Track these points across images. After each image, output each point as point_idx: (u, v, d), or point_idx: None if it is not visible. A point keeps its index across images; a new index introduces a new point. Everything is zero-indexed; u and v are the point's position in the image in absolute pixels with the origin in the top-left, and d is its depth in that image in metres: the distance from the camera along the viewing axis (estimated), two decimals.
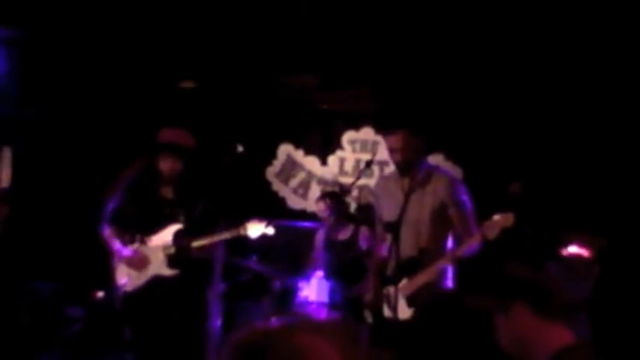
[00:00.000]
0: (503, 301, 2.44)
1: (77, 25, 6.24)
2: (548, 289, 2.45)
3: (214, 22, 6.21)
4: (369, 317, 4.67)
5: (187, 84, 7.05)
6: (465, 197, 4.54)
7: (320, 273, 5.90)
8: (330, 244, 6.14)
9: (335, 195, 6.31)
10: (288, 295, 5.90)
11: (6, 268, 6.37)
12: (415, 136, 4.55)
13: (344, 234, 6.16)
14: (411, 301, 4.38)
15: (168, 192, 5.21)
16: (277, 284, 5.92)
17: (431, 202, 4.49)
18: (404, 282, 4.40)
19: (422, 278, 4.38)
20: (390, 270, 4.42)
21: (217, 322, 5.72)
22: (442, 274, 4.45)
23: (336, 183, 7.13)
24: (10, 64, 6.33)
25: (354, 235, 6.13)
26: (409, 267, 4.41)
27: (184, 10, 6.11)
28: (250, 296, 6.08)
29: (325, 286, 5.76)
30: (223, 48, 6.53)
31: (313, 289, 5.78)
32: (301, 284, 5.85)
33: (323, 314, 5.73)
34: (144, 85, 6.82)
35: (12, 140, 6.66)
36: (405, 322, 4.34)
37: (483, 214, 4.42)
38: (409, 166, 4.54)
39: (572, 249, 4.94)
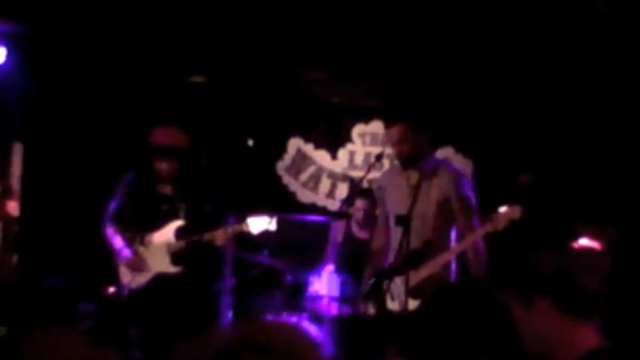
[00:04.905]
0: (525, 294, 2.23)
1: (86, 20, 6.24)
2: (575, 286, 2.23)
3: (223, 17, 6.20)
4: (370, 309, 4.68)
5: (197, 78, 7.05)
6: (470, 193, 4.55)
7: (331, 267, 5.89)
8: (350, 241, 6.11)
9: (370, 193, 6.21)
10: (299, 289, 5.90)
11: (20, 264, 6.41)
12: (416, 130, 4.54)
13: (367, 233, 6.10)
14: (413, 293, 4.38)
15: (166, 189, 5.22)
16: (288, 278, 5.92)
17: (436, 196, 4.51)
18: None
19: (426, 271, 4.40)
20: (396, 262, 4.43)
21: (228, 317, 5.72)
22: (446, 267, 4.46)
23: (346, 177, 7.10)
24: (20, 60, 6.34)
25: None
26: (413, 259, 4.42)
27: (193, 4, 6.11)
28: (261, 290, 6.07)
29: (336, 280, 5.76)
30: (232, 42, 6.52)
31: (324, 283, 5.77)
32: (312, 278, 5.85)
33: (334, 308, 5.73)
34: (153, 80, 6.82)
35: (23, 136, 6.68)
36: (409, 314, 4.34)
37: (494, 207, 4.41)
38: (410, 159, 4.54)
39: (583, 241, 4.91)
